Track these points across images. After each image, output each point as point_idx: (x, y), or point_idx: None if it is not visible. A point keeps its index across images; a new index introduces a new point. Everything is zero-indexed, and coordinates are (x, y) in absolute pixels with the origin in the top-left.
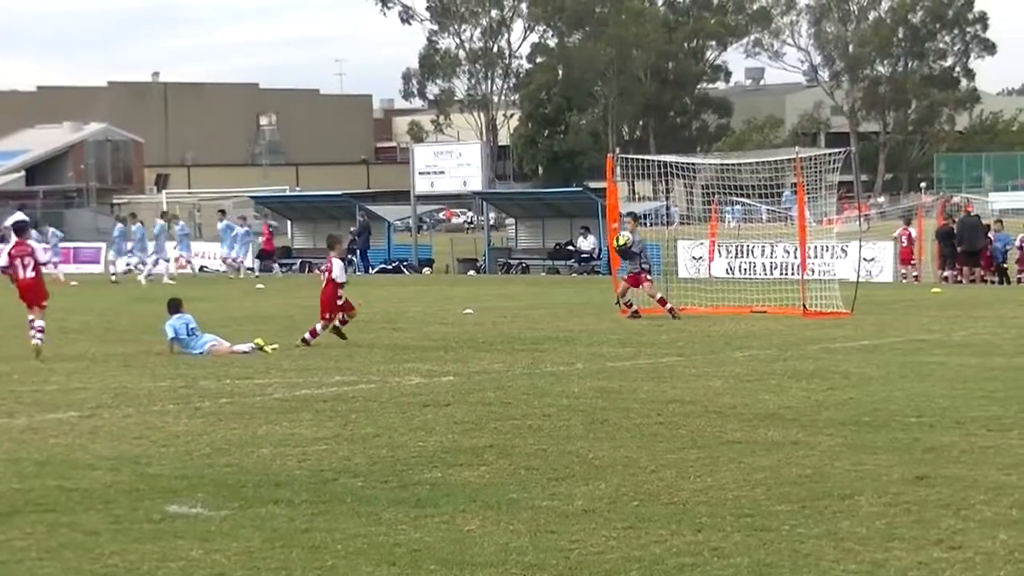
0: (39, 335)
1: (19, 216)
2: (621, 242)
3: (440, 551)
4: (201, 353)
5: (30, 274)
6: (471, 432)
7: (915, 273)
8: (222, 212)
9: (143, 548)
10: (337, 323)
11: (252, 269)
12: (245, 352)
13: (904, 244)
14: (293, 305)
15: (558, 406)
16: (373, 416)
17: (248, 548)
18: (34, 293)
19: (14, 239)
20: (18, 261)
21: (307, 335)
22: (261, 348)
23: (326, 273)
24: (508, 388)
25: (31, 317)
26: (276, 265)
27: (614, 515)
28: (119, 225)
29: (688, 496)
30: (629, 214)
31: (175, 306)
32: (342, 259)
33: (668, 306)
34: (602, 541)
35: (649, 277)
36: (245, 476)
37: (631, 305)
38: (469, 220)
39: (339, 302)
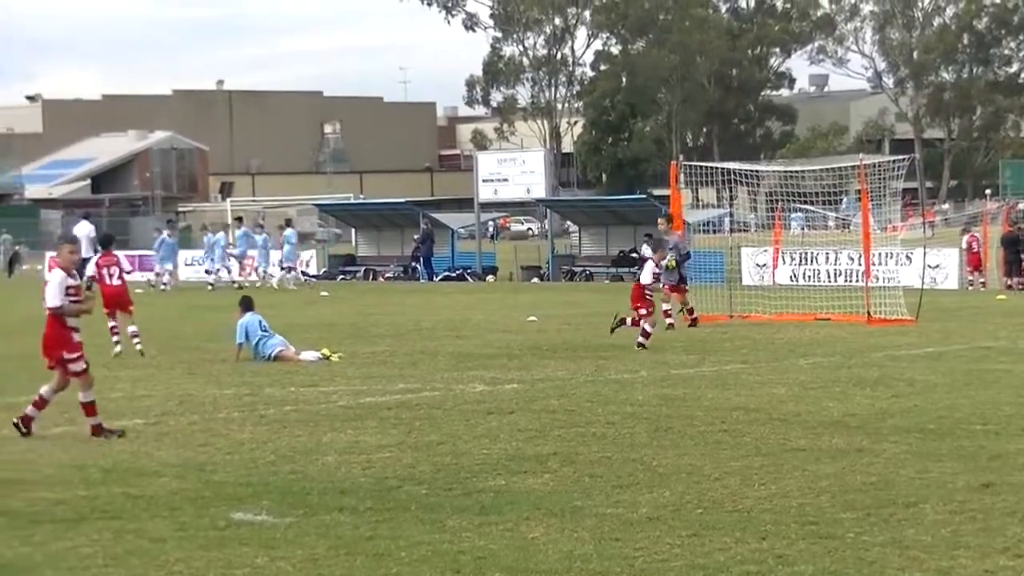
0: (137, 340)
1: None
2: (672, 266)
3: (504, 559)
4: (269, 356)
5: (116, 282)
6: (535, 439)
7: (981, 280)
8: (239, 220)
9: (208, 555)
10: (629, 320)
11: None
12: (311, 361)
13: (974, 250)
14: (357, 312)
15: (622, 413)
16: (437, 423)
17: (313, 555)
18: (121, 300)
19: (100, 250)
20: (104, 271)
21: (641, 339)
22: (327, 357)
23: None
24: (572, 395)
25: (113, 324)
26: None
27: (678, 522)
28: (209, 235)
29: (752, 504)
30: (662, 216)
31: (248, 304)
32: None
33: (669, 321)
34: (666, 549)
35: (685, 287)
36: (310, 483)
37: (692, 311)
38: (530, 229)
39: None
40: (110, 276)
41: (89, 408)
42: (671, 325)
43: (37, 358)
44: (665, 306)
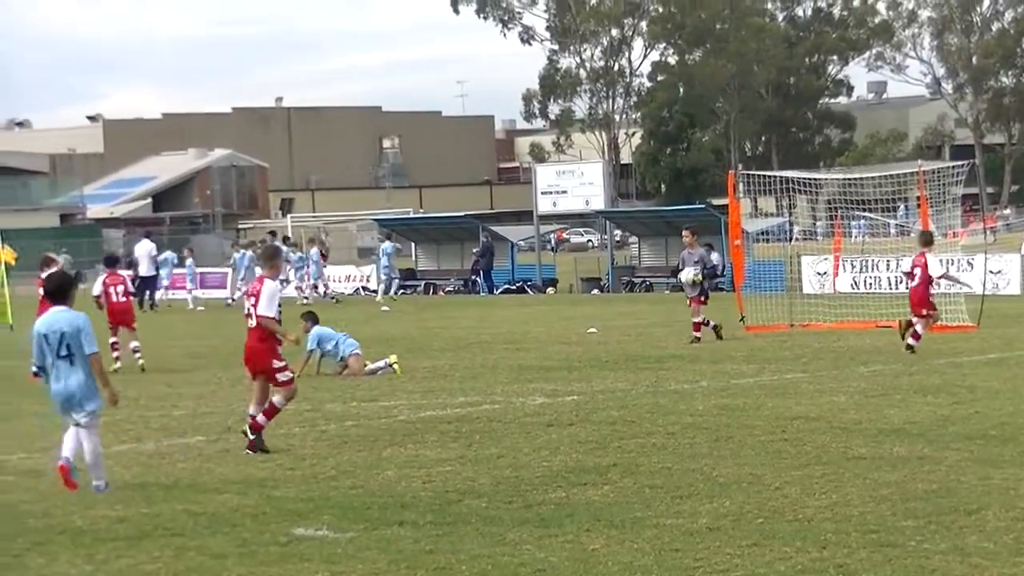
0: (139, 355)
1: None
2: (698, 280)
3: (565, 571)
4: (343, 357)
5: (122, 299)
6: (595, 451)
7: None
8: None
9: (269, 571)
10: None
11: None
12: (379, 368)
13: None
14: (417, 326)
15: (682, 424)
16: (497, 437)
17: (374, 570)
18: (126, 316)
19: (106, 270)
20: (112, 289)
21: (910, 340)
22: (391, 365)
23: (919, 271)
24: (632, 407)
25: (114, 340)
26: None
27: (738, 532)
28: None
29: (813, 513)
30: (687, 228)
31: (314, 318)
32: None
33: (697, 334)
34: (727, 559)
35: (703, 300)
36: (370, 498)
37: (705, 325)
38: (590, 240)
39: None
40: (116, 293)
41: (272, 411)
42: (698, 338)
43: None
44: (695, 319)
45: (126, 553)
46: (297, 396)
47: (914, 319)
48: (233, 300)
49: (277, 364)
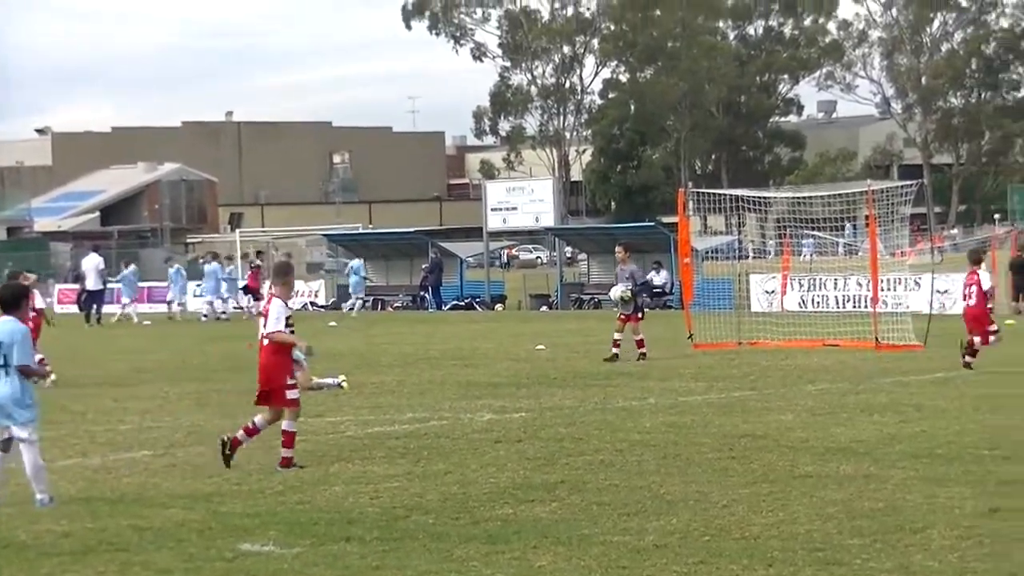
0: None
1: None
2: (628, 297)
3: None
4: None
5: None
6: (543, 468)
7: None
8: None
9: None
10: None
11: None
12: (326, 385)
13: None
14: (365, 342)
15: (630, 441)
16: (445, 453)
17: None
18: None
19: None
20: None
21: (968, 358)
22: (340, 384)
23: (974, 288)
24: (580, 424)
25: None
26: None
27: (685, 550)
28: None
29: (760, 531)
30: (619, 244)
31: None
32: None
33: (643, 350)
34: None
35: (640, 317)
36: (317, 513)
37: (641, 344)
38: (539, 257)
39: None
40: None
41: (290, 439)
42: (615, 356)
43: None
44: (616, 336)
45: (71, 568)
46: (246, 411)
47: (974, 338)
48: (172, 315)
49: (288, 381)
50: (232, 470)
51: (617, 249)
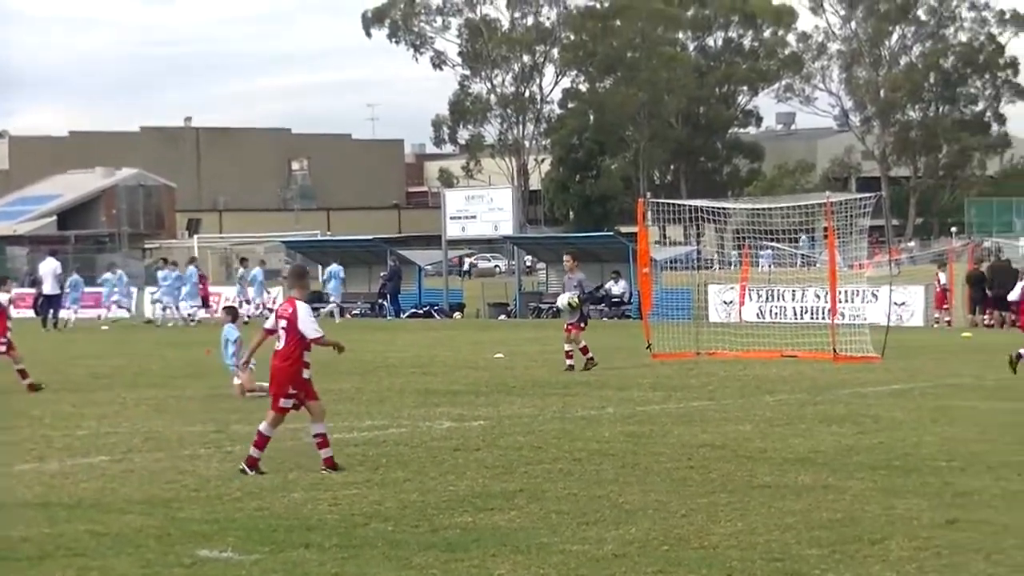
0: None
1: None
2: (575, 305)
3: None
4: (234, 367)
5: None
6: (502, 476)
7: (947, 318)
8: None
9: None
10: None
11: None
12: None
13: (936, 289)
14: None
15: (588, 450)
16: (404, 461)
17: None
18: None
19: None
20: None
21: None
22: None
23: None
24: (539, 432)
25: None
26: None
27: (644, 559)
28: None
29: (718, 540)
30: (568, 252)
31: (234, 313)
32: None
33: (570, 362)
34: None
35: (583, 326)
36: (276, 520)
37: (587, 350)
38: (498, 266)
39: None
40: None
41: (325, 440)
42: (571, 367)
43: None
44: (567, 347)
45: (28, 573)
46: (204, 417)
47: None
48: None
49: (294, 391)
50: (190, 476)
51: (565, 258)
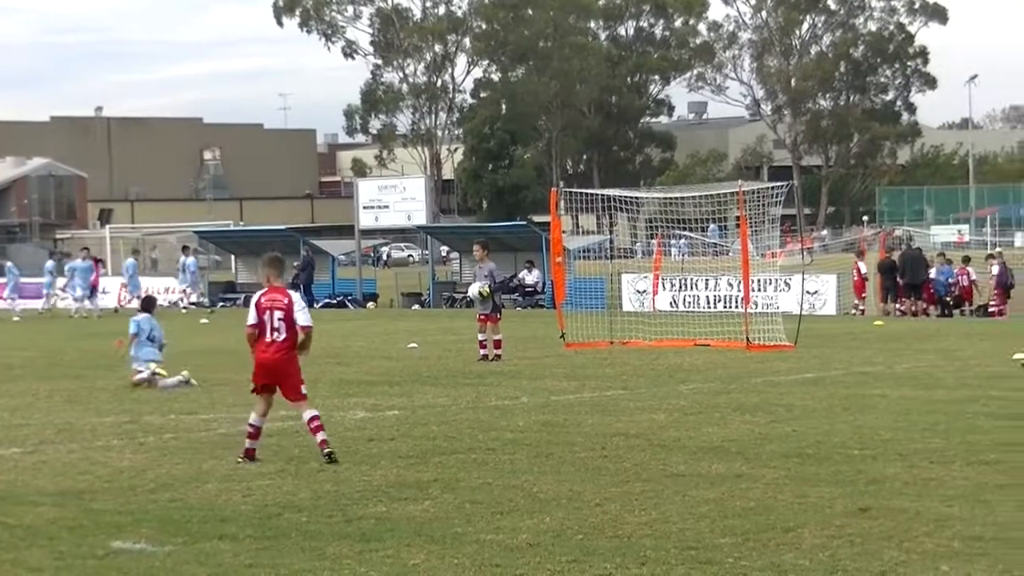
0: None
1: None
2: (486, 294)
3: None
4: (143, 365)
5: None
6: (416, 466)
7: (861, 307)
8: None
9: None
10: None
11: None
12: (171, 385)
13: (855, 277)
14: (237, 340)
15: (503, 440)
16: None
17: None
18: None
19: None
20: None
21: None
22: (187, 381)
23: None
24: (453, 422)
25: None
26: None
27: (559, 548)
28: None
29: (633, 529)
30: (477, 242)
31: (149, 304)
32: None
33: (483, 352)
34: (547, 575)
35: (498, 317)
36: (190, 511)
37: (499, 344)
38: (411, 256)
39: None
40: None
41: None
42: (485, 356)
43: None
44: (480, 337)
45: None
46: (117, 408)
47: None
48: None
49: (301, 375)
50: (103, 467)
51: (475, 247)
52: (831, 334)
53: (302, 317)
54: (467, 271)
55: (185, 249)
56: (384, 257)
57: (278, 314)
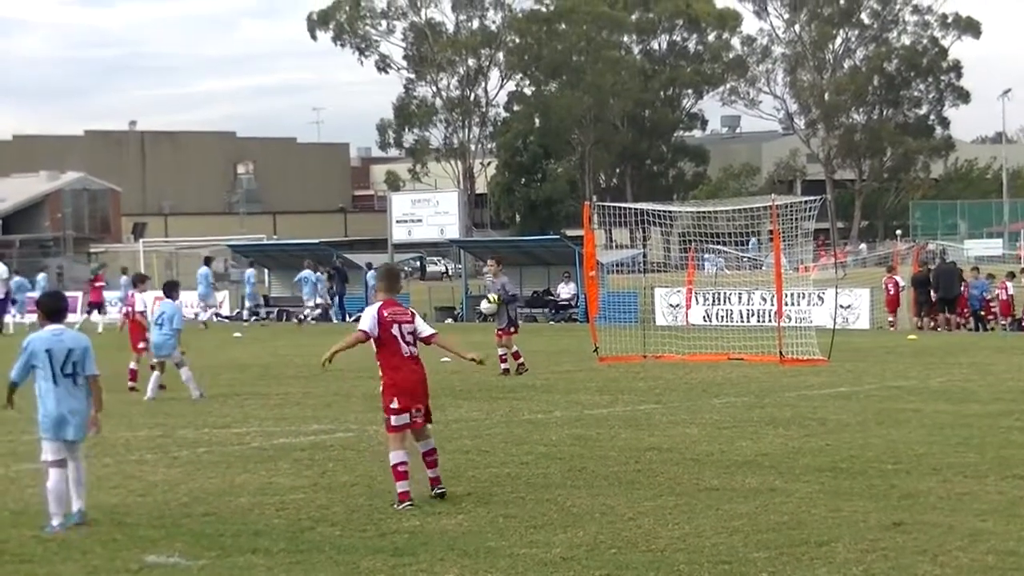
0: None
1: None
2: (493, 300)
3: None
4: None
5: None
6: (449, 480)
7: (892, 320)
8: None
9: None
10: None
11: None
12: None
13: (891, 292)
14: (270, 353)
15: (536, 454)
16: (351, 465)
17: None
18: None
19: None
20: None
21: None
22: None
23: None
24: (486, 436)
25: None
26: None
27: (592, 563)
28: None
29: (666, 543)
30: (492, 256)
31: (171, 288)
32: None
33: (504, 366)
34: None
35: (513, 330)
36: (223, 525)
37: (518, 356)
38: (445, 269)
39: None
40: None
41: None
42: (505, 371)
43: None
44: (500, 351)
45: None
46: (150, 422)
47: None
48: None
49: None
50: (136, 481)
51: (489, 262)
52: (864, 348)
53: (422, 329)
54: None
55: (251, 264)
56: (430, 268)
57: (408, 327)
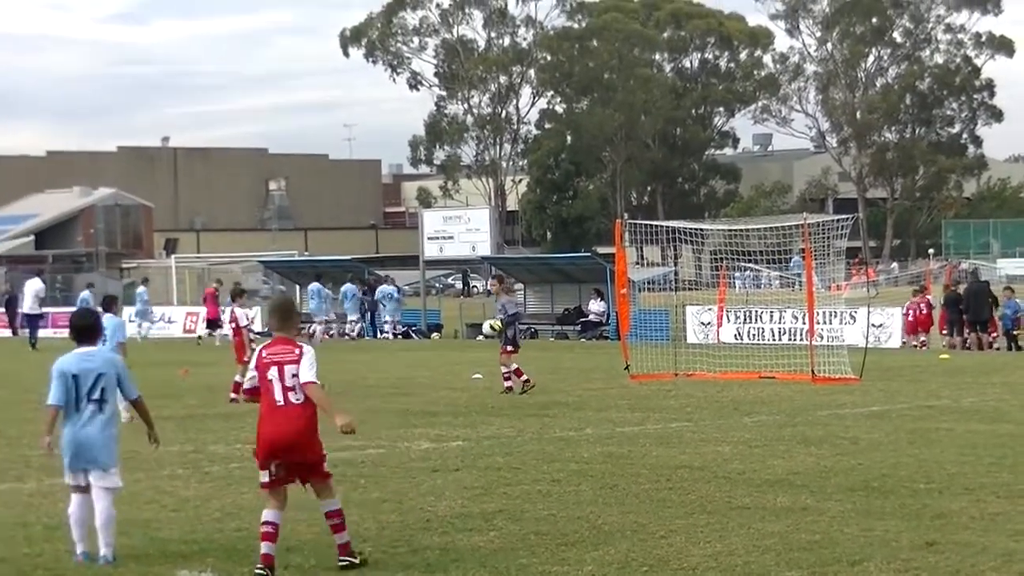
0: None
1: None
2: (498, 328)
3: None
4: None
5: None
6: (480, 497)
7: (923, 339)
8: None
9: None
10: None
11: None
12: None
13: (924, 312)
14: None
15: (567, 471)
16: (382, 481)
17: None
18: None
19: None
20: None
21: None
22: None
23: None
24: (517, 453)
25: None
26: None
27: None
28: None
29: (698, 562)
30: (494, 276)
31: (110, 303)
32: None
33: (524, 378)
34: None
35: (511, 349)
36: (255, 541)
37: (520, 374)
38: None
39: None
40: None
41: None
42: (509, 389)
43: None
44: (503, 370)
45: None
46: (182, 437)
47: None
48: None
49: (323, 451)
50: (168, 496)
51: (491, 282)
52: (896, 367)
53: (303, 372)
54: (531, 302)
55: (319, 277)
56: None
57: (276, 372)
